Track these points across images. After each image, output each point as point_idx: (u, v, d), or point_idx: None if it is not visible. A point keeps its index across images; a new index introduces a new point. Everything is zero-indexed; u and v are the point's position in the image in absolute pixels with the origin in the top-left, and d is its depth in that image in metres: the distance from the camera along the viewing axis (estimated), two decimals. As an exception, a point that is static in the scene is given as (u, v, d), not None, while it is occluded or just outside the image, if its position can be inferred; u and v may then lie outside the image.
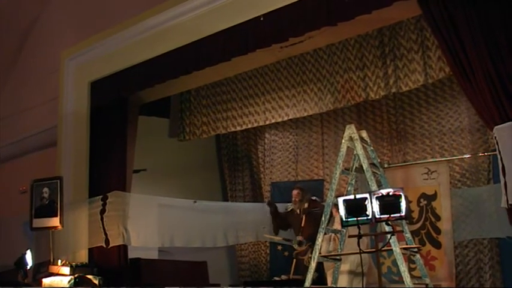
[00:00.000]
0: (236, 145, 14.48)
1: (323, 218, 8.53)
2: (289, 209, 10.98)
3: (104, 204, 11.23)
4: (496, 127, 6.89)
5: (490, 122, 7.07)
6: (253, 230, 12.42)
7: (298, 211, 10.76)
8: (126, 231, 11.20)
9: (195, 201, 11.95)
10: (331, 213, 8.82)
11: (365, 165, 8.36)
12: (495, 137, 6.95)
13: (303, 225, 10.46)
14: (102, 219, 11.21)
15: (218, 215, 12.27)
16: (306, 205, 10.66)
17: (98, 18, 12.63)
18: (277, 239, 11.36)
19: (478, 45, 7.10)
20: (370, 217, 7.13)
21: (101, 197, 11.31)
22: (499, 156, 6.89)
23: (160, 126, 13.52)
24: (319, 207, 10.26)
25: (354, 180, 8.91)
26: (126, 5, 12.10)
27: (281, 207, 11.31)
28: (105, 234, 11.14)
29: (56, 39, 13.79)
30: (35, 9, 14.59)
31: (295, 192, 10.86)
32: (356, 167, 8.70)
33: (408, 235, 8.55)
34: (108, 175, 11.57)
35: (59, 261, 10.73)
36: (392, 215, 7.08)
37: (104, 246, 11.13)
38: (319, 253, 8.54)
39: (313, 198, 10.89)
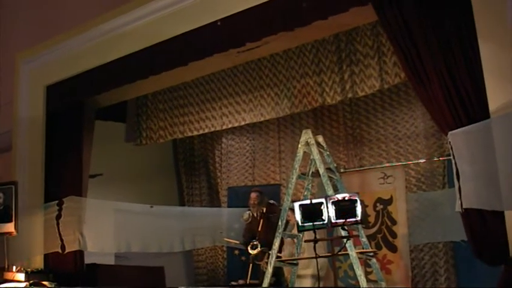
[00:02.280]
0: (193, 150, 14.48)
1: (280, 223, 8.56)
2: (248, 220, 10.85)
3: (60, 210, 11.14)
4: (450, 132, 6.95)
5: (444, 127, 7.12)
6: (210, 234, 12.44)
7: (255, 214, 10.74)
8: (82, 237, 11.11)
9: (151, 206, 11.90)
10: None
11: (321, 170, 8.41)
12: (449, 142, 7.00)
13: (259, 229, 10.38)
14: (58, 224, 11.12)
15: (175, 219, 12.23)
16: (263, 209, 10.59)
17: (54, 22, 12.50)
18: (234, 242, 11.35)
19: (433, 51, 7.16)
20: (326, 222, 7.14)
21: (56, 202, 11.22)
22: (453, 161, 6.95)
23: (117, 130, 13.43)
24: (277, 211, 10.17)
25: (310, 185, 8.93)
26: (82, 8, 12.00)
27: (238, 212, 11.30)
28: (61, 239, 11.05)
29: (11, 42, 13.62)
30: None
31: (253, 195, 10.81)
32: (312, 172, 8.74)
33: (364, 239, 8.61)
34: (64, 180, 11.45)
35: (14, 267, 10.62)
36: (348, 220, 7.10)
37: (60, 251, 11.04)
38: (276, 257, 8.57)
39: (271, 201, 10.84)
